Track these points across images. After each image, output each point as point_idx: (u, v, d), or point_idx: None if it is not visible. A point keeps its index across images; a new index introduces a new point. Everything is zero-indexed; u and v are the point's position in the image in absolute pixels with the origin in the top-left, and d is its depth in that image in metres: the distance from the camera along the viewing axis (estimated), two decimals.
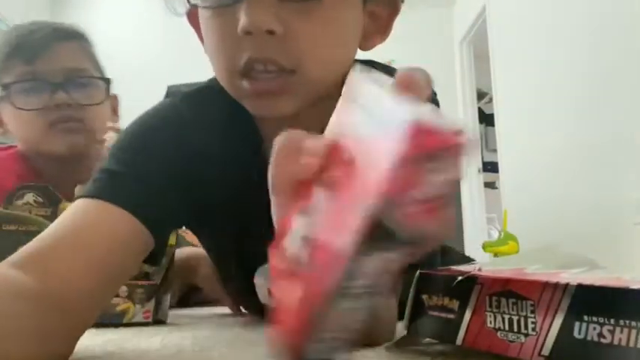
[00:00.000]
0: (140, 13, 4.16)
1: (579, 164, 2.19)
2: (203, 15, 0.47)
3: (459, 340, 0.36)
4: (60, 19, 3.91)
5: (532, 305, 0.31)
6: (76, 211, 0.43)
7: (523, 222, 2.68)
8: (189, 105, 0.52)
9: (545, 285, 0.30)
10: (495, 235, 3.24)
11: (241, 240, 0.55)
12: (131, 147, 0.49)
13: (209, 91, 0.52)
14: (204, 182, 0.50)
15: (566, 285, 0.29)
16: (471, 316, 0.35)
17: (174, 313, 0.77)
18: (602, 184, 2.01)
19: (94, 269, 0.40)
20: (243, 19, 0.39)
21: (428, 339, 0.44)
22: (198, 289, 0.90)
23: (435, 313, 0.40)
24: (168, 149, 0.48)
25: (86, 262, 0.39)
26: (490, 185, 4.18)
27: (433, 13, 4.10)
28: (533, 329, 0.30)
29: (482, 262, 0.42)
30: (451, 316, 0.37)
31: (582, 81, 2.18)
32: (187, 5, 0.49)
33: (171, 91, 0.56)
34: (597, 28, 2.06)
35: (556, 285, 0.29)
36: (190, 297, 0.96)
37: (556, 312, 0.29)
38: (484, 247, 2.47)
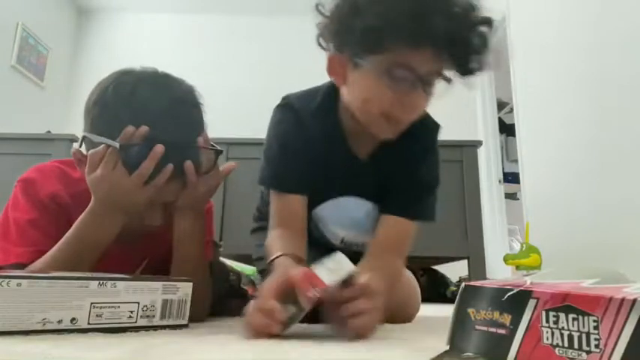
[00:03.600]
0: (164, 30, 4.25)
1: (601, 173, 2.14)
2: (365, 75, 0.78)
3: (511, 357, 0.35)
4: (85, 33, 3.95)
5: (595, 321, 0.29)
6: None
7: (544, 232, 2.63)
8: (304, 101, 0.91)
9: (610, 300, 0.29)
10: (517, 247, 3.18)
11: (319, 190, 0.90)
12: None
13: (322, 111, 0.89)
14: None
15: (634, 300, 0.28)
16: (525, 331, 0.34)
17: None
18: (625, 193, 1.96)
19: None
20: (409, 103, 0.78)
21: (470, 353, 0.43)
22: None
23: (483, 328, 0.38)
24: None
25: None
26: (511, 196, 4.11)
27: None
28: (597, 346, 0.29)
29: (530, 276, 0.41)
30: (502, 331, 0.36)
31: (604, 89, 2.14)
32: (343, 56, 0.80)
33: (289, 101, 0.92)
34: (620, 37, 2.03)
35: (622, 300, 0.28)
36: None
37: (623, 328, 0.28)
38: (505, 259, 2.42)
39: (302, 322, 0.80)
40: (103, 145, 0.67)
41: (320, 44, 0.82)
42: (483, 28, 0.74)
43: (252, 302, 0.62)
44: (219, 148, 0.76)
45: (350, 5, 0.74)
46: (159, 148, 0.66)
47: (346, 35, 0.75)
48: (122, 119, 0.67)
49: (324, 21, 0.80)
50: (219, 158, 0.77)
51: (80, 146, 0.71)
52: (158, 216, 0.75)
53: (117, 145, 0.66)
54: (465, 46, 0.72)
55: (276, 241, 0.81)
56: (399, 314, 0.92)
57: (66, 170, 0.77)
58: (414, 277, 1.04)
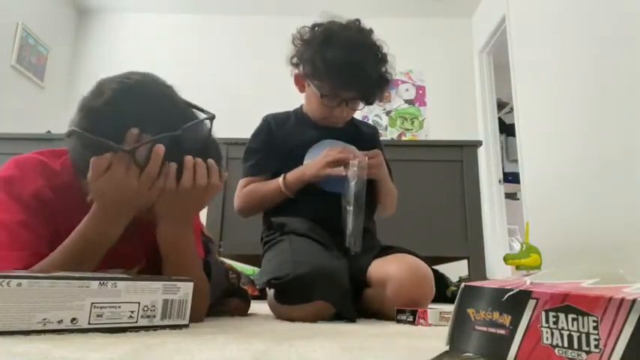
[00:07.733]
0: (164, 30, 4.24)
1: (600, 173, 2.14)
2: (313, 93, 1.27)
3: (510, 357, 0.35)
4: (85, 33, 3.91)
5: (595, 321, 0.29)
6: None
7: (544, 232, 2.63)
8: (277, 115, 1.39)
9: (609, 300, 0.29)
10: (517, 247, 3.18)
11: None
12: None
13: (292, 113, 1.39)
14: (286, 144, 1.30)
15: (634, 300, 0.28)
16: (525, 332, 0.34)
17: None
18: (624, 193, 1.96)
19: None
20: (338, 114, 1.28)
21: (469, 354, 0.43)
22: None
23: (483, 329, 0.38)
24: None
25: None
26: (511, 196, 4.11)
27: (452, 24, 4.09)
28: (596, 346, 0.29)
29: (530, 276, 0.41)
30: (502, 331, 0.36)
31: (602, 90, 2.15)
32: (303, 76, 1.28)
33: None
34: (619, 38, 2.03)
35: (622, 300, 0.28)
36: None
37: (622, 328, 0.28)
38: (505, 259, 2.42)
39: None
40: (108, 152, 0.65)
41: (291, 62, 1.26)
42: (386, 76, 1.23)
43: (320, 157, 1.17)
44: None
45: (314, 48, 1.19)
46: (159, 149, 0.65)
47: (308, 66, 1.22)
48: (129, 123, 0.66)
49: (299, 48, 1.24)
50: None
51: (69, 138, 0.69)
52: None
53: (125, 148, 0.65)
54: (373, 92, 1.24)
55: (261, 184, 1.25)
56: (414, 290, 0.99)
57: (46, 162, 0.74)
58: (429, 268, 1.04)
